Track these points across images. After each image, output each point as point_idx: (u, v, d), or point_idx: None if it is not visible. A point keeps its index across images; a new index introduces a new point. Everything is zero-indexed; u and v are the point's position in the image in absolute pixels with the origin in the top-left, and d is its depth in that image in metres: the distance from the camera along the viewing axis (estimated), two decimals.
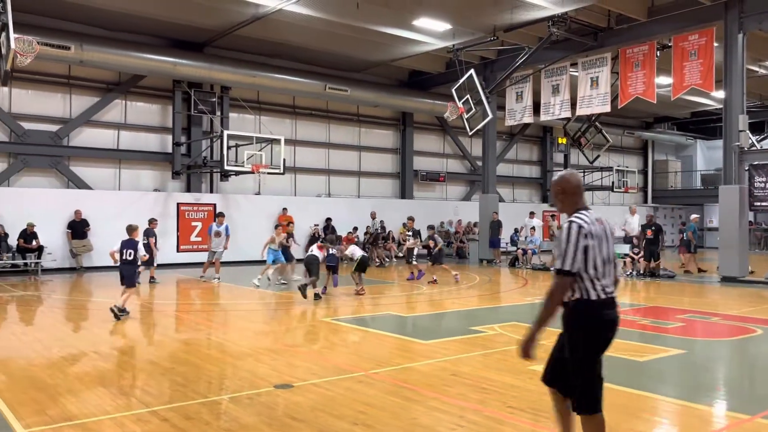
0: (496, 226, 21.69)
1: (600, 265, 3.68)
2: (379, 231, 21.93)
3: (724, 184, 16.18)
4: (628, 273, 17.72)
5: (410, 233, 16.63)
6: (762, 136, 28.88)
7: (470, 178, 27.69)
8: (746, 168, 16.04)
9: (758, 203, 16.12)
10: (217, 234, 15.32)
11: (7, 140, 17.48)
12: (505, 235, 22.85)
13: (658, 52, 17.04)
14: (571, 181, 3.84)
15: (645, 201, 34.37)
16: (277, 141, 18.48)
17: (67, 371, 6.70)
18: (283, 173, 18.94)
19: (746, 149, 15.95)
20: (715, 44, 15.91)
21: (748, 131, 16.00)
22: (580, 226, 3.64)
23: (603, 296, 3.71)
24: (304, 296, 11.82)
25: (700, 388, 6.43)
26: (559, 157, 30.88)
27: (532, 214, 22.10)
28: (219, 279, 15.09)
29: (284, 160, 18.67)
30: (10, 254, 16.29)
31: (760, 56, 20.19)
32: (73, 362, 7.17)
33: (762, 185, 16.06)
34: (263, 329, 9.38)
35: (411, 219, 16.76)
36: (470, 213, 25.19)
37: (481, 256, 22.12)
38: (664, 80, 18.81)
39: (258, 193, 21.28)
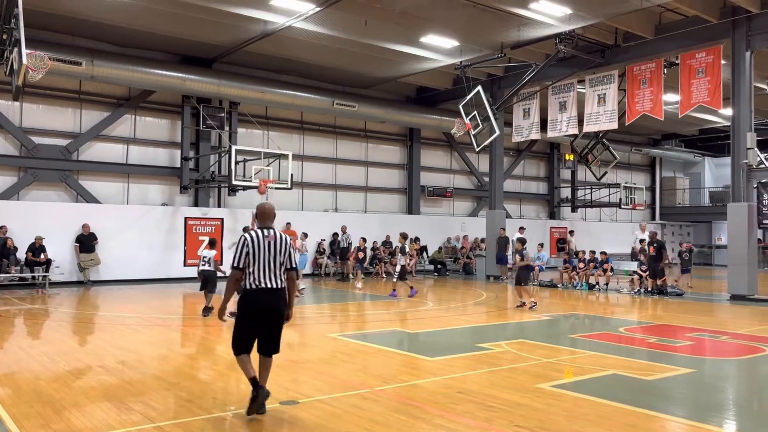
0: (503, 243, 21.62)
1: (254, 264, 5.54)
2: (346, 246, 21.80)
3: (732, 201, 16.11)
4: (636, 291, 17.61)
5: (401, 250, 16.53)
6: None
7: (477, 194, 27.69)
8: (755, 185, 15.98)
9: (767, 221, 16.04)
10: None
11: (18, 154, 17.64)
12: (510, 252, 22.74)
13: (665, 70, 17.06)
14: (263, 209, 5.79)
15: (653, 218, 34.23)
16: (285, 156, 18.56)
17: (72, 385, 6.69)
18: (290, 188, 19.01)
19: (754, 167, 15.89)
20: (723, 62, 15.92)
21: (756, 149, 15.95)
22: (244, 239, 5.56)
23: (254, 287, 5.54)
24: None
25: (709, 408, 6.35)
26: (566, 174, 30.85)
27: (521, 230, 22.04)
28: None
29: (291, 175, 18.75)
30: (19, 267, 16.37)
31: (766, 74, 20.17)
32: (78, 376, 7.16)
33: None
34: None
35: (403, 236, 16.34)
36: (477, 229, 25.16)
37: (488, 272, 22.04)
38: (671, 97, 18.82)
39: None
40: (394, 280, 16.45)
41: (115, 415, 5.58)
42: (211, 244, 12.26)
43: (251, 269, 5.48)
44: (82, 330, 10.81)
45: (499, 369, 7.71)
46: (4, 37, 11.16)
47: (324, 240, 22.00)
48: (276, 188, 18.70)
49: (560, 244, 26.82)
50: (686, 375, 7.56)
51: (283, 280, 5.60)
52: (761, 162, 20.07)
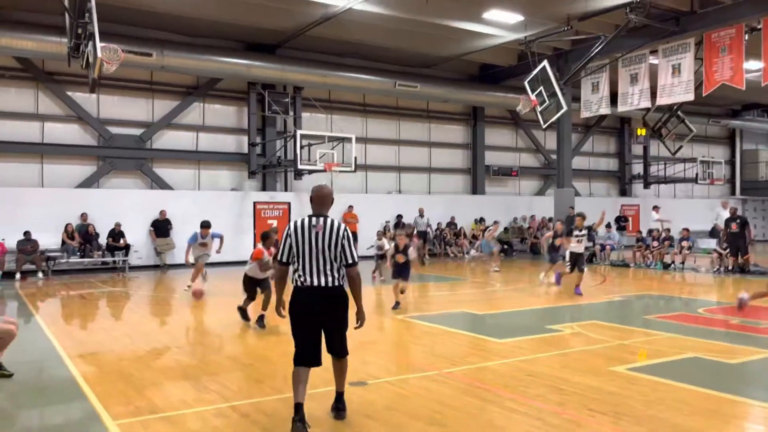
0: (572, 221, 21.02)
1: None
2: (425, 229, 21.46)
3: None
4: (716, 270, 16.82)
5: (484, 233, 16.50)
6: None
7: (544, 172, 27.04)
8: None
9: None
10: (203, 245, 12.88)
11: (96, 144, 18.47)
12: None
13: (746, 35, 16.02)
14: (320, 193, 4.98)
15: (732, 193, 32.51)
16: (349, 139, 18.65)
17: (152, 365, 6.99)
18: (354, 171, 19.10)
19: None
20: None
21: None
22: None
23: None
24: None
25: None
26: (638, 149, 29.66)
27: (656, 208, 21.63)
28: (190, 287, 12.28)
29: (355, 158, 18.82)
30: (100, 252, 17.21)
31: None
32: (157, 356, 7.47)
33: None
34: None
35: (581, 216, 13.53)
36: (545, 208, 24.59)
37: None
38: (753, 65, 17.67)
39: None
40: (567, 270, 13.01)
41: (192, 394, 5.79)
42: (263, 238, 9.89)
43: (296, 265, 4.82)
44: (159, 312, 11.27)
45: (571, 351, 7.52)
46: (80, 31, 11.61)
47: (388, 222, 22.04)
48: (340, 171, 18.84)
49: (622, 222, 25.74)
50: None
51: (336, 277, 4.78)
52: None
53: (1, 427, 5.16)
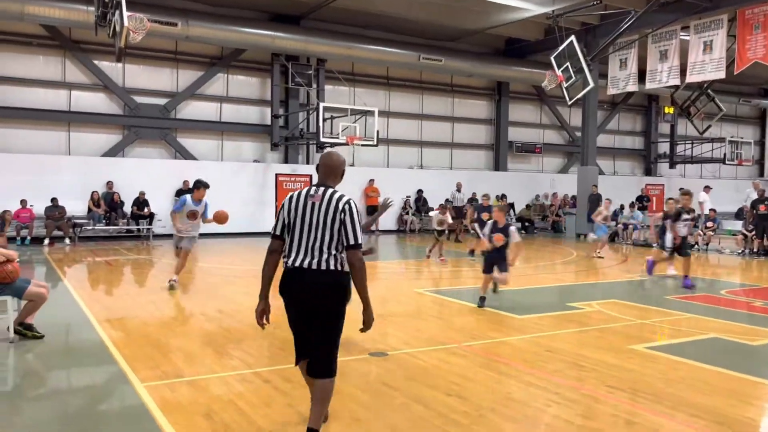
0: (595, 200, 20.85)
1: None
2: (462, 205, 20.98)
3: None
4: (741, 251, 16.61)
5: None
6: None
7: (568, 149, 26.75)
8: None
9: None
10: (192, 215, 9.72)
11: (122, 113, 18.65)
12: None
13: None
14: (327, 161, 4.15)
15: (761, 174, 31.89)
16: (371, 112, 18.59)
17: (177, 331, 7.15)
18: (376, 145, 19.07)
19: None
20: None
21: None
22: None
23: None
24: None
25: None
26: (665, 128, 29.16)
27: (707, 189, 21.40)
28: (176, 282, 9.84)
29: (377, 131, 18.79)
30: (125, 220, 17.50)
31: None
32: (182, 323, 7.64)
33: None
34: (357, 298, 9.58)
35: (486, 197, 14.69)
36: (567, 186, 24.38)
37: (578, 231, 21.42)
38: None
39: (352, 165, 21.57)
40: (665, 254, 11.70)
41: (216, 359, 5.92)
42: None
43: (287, 242, 4.00)
44: (183, 280, 11.45)
45: (590, 329, 7.54)
46: (107, 0, 11.67)
47: (409, 197, 22.05)
48: (362, 145, 18.83)
49: (645, 202, 25.25)
50: None
51: (329, 260, 3.82)
52: None
53: (33, 387, 5.35)
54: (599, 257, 14.98)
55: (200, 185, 9.83)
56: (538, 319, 8.06)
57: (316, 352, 3.91)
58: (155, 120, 18.90)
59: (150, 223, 17.69)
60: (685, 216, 10.99)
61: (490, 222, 8.82)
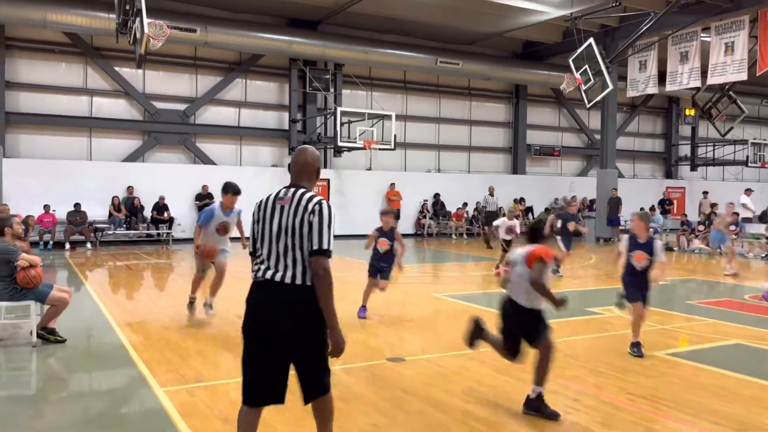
0: (615, 203, 20.70)
1: None
2: (495, 209, 20.75)
3: None
4: (764, 255, 16.35)
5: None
6: None
7: (587, 152, 26.53)
8: None
9: None
10: (224, 228, 8.00)
11: (142, 119, 18.88)
12: (625, 213, 21.74)
13: None
14: (295, 158, 3.64)
15: None
16: (389, 117, 18.62)
17: (196, 335, 7.21)
18: (393, 149, 19.09)
19: None
20: None
21: None
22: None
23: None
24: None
25: None
26: (686, 130, 28.80)
27: (748, 191, 20.24)
28: (212, 309, 8.21)
29: (395, 135, 18.80)
30: (145, 225, 17.70)
31: None
32: (201, 327, 7.70)
33: None
34: (376, 303, 9.58)
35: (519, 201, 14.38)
36: (587, 189, 24.18)
37: (598, 235, 21.23)
38: None
39: (369, 169, 21.62)
40: None
41: (235, 364, 5.94)
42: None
43: (257, 252, 3.51)
44: (203, 284, 11.55)
45: (610, 335, 7.47)
46: (127, 7, 11.84)
47: (427, 201, 22.02)
48: (380, 149, 18.85)
49: (666, 205, 24.96)
50: None
51: (301, 272, 3.30)
52: None
53: (56, 389, 5.43)
54: (733, 275, 12.79)
55: (229, 189, 7.91)
56: (558, 324, 7.94)
57: (302, 373, 3.40)
58: (175, 125, 19.10)
59: (169, 228, 17.87)
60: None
61: (626, 237, 6.80)
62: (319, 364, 3.40)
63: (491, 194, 21.27)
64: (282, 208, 3.42)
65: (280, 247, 3.36)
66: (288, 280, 3.31)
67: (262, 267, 3.42)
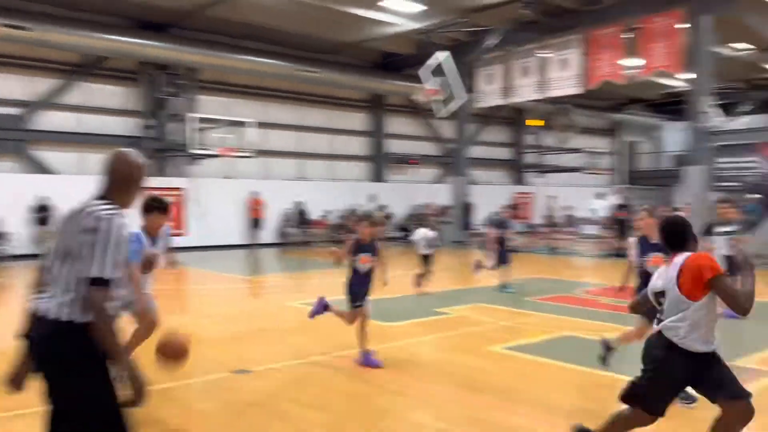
0: (468, 209, 21.76)
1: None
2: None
3: (690, 165, 16.39)
4: (598, 253, 17.95)
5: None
6: (731, 118, 29.37)
7: (444, 160, 27.68)
8: (712, 149, 16.27)
9: (722, 183, 16.41)
10: (148, 263, 5.25)
11: None
12: (478, 218, 22.92)
13: (626, 34, 17.09)
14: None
15: (614, 182, 34.70)
16: (247, 124, 18.26)
17: None
18: (253, 157, 18.74)
19: (712, 130, 16.15)
20: (682, 26, 16.01)
21: (715, 112, 16.20)
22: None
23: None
24: None
25: None
26: (531, 139, 31.03)
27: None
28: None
29: (254, 143, 18.47)
30: None
31: (728, 39, 20.35)
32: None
33: (726, 165, 16.31)
34: (227, 314, 9.31)
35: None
36: (443, 196, 25.21)
37: (453, 239, 22.19)
38: (632, 62, 18.91)
39: (229, 177, 21.04)
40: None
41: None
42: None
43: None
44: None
45: (456, 333, 7.81)
46: None
47: (290, 209, 21.83)
48: (237, 156, 18.43)
49: (515, 210, 26.56)
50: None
51: (66, 303, 2.63)
52: (719, 126, 20.37)
53: None
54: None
55: (153, 207, 5.26)
56: (407, 326, 8.23)
57: None
58: (7, 131, 17.39)
59: (2, 243, 16.21)
60: (721, 228, 8.35)
61: (634, 241, 5.86)
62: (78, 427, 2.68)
63: (373, 201, 20.07)
64: (64, 224, 2.82)
65: (53, 274, 2.73)
66: (47, 312, 2.65)
67: (34, 296, 2.78)
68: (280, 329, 8.16)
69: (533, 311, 9.38)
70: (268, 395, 5.31)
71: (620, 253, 17.13)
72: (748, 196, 20.06)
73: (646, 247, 5.64)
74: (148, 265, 5.21)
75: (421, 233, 11.34)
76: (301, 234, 21.75)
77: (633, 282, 5.79)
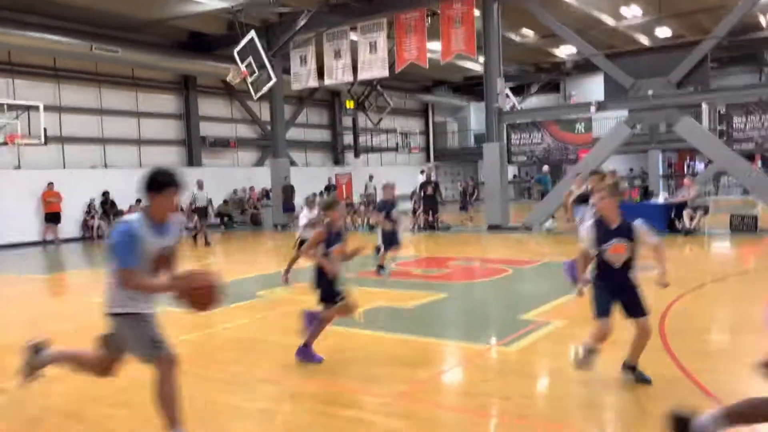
0: (289, 191, 21.76)
1: None
2: (204, 205, 18.26)
3: (486, 142, 17.90)
4: (411, 227, 18.99)
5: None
6: (522, 98, 32.49)
7: (262, 143, 27.34)
8: (505, 126, 17.93)
9: (515, 157, 18.17)
10: (165, 259, 4.16)
11: None
12: (299, 199, 23.02)
13: (428, 19, 18.05)
14: None
15: (428, 160, 36.80)
16: (36, 108, 16.49)
17: None
18: (45, 144, 17.02)
19: (504, 110, 17.75)
20: (476, 12, 17.31)
21: (507, 93, 17.82)
22: None
23: None
24: None
25: (450, 325, 7.16)
26: (347, 121, 31.70)
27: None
28: None
29: (45, 129, 16.77)
30: None
31: (517, 25, 22.42)
32: None
33: (518, 142, 18.06)
34: (29, 318, 8.47)
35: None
36: (263, 179, 24.95)
37: (275, 221, 22.11)
38: (435, 45, 20.10)
39: (18, 168, 18.90)
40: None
41: None
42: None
43: None
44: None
45: (272, 314, 7.86)
46: None
47: (94, 200, 20.21)
48: (26, 144, 16.62)
49: (332, 190, 27.00)
50: (439, 300, 8.41)
51: None
52: (513, 105, 22.43)
53: None
54: None
55: (164, 183, 3.80)
56: (228, 311, 8.10)
57: None
58: None
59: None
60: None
61: (588, 226, 4.79)
62: None
63: (201, 188, 18.08)
64: None
65: None
66: None
67: None
68: (88, 328, 7.59)
69: (348, 286, 9.69)
70: (66, 399, 4.97)
71: (432, 226, 18.37)
72: (544, 169, 22.50)
73: (604, 232, 4.61)
74: (164, 261, 4.12)
75: (303, 214, 10.43)
76: (108, 226, 20.23)
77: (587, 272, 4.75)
